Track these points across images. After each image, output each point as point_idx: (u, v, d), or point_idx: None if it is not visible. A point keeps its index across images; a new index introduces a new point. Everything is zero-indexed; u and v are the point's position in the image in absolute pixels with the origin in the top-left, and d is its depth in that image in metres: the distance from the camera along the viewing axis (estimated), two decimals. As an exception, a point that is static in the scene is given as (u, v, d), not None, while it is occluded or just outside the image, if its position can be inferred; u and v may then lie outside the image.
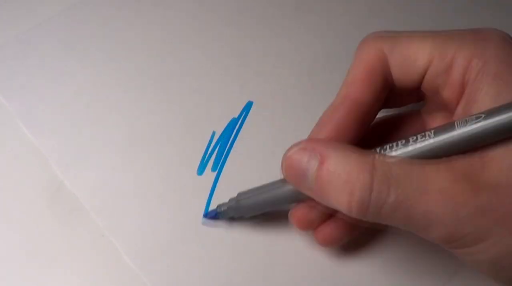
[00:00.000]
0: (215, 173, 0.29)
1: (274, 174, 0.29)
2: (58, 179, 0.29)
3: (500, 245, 0.20)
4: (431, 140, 0.21)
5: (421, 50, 0.22)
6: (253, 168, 0.29)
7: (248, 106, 0.31)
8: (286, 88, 0.32)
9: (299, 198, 0.24)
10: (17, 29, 0.34)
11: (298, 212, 0.25)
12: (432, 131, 0.21)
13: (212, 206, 0.28)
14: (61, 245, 0.27)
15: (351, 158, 0.20)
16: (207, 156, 0.29)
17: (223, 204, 0.27)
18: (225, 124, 0.30)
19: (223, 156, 0.29)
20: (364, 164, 0.20)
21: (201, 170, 0.29)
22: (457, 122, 0.20)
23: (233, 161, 0.29)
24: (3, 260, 0.26)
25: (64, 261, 0.26)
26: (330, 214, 0.24)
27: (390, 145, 0.22)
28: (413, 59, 0.23)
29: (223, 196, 0.28)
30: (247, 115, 0.31)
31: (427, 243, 0.27)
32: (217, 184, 0.28)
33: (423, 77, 0.23)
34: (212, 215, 0.27)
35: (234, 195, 0.26)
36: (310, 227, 0.25)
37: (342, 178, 0.20)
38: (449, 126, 0.21)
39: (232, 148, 0.30)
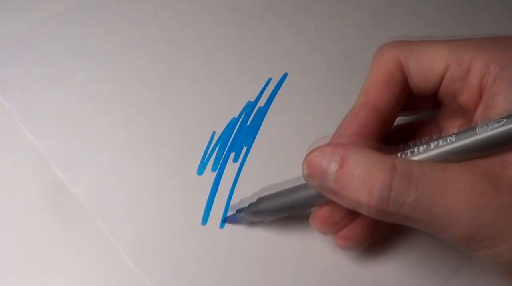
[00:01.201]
0: (215, 173, 0.29)
1: (274, 173, 0.29)
2: (58, 179, 0.29)
3: None
4: (452, 145, 0.21)
5: (438, 56, 0.23)
6: (253, 167, 0.29)
7: (248, 106, 0.31)
8: (286, 89, 0.32)
9: (320, 202, 0.24)
10: (17, 29, 0.34)
11: (319, 215, 0.24)
12: (454, 136, 0.21)
13: (214, 208, 0.28)
14: (61, 245, 0.27)
15: (370, 159, 0.20)
16: (207, 156, 0.29)
17: (242, 209, 0.27)
18: (225, 124, 0.30)
19: (223, 156, 0.29)
20: (384, 164, 0.20)
21: (201, 170, 0.29)
22: (478, 127, 0.20)
23: (233, 161, 0.29)
24: (3, 260, 0.26)
25: (64, 261, 0.26)
26: (351, 218, 0.24)
27: (412, 150, 0.22)
28: (429, 66, 0.23)
29: (223, 196, 0.28)
30: (247, 115, 0.31)
31: (426, 243, 0.27)
32: (217, 184, 0.29)
33: (440, 83, 0.23)
34: (232, 220, 0.27)
35: (235, 195, 0.26)
36: (331, 230, 0.25)
37: (361, 178, 0.20)
38: (471, 131, 0.21)
39: (233, 148, 0.30)
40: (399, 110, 0.24)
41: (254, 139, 0.30)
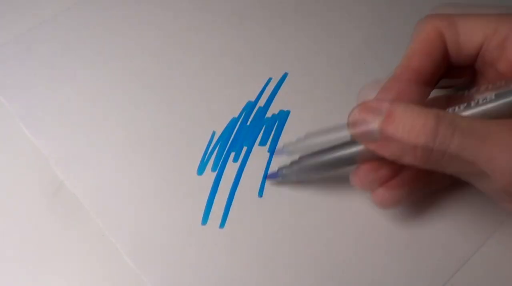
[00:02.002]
0: (215, 173, 0.29)
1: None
2: (58, 179, 0.29)
3: None
4: (492, 103, 0.22)
5: (477, 26, 0.24)
6: (253, 167, 0.29)
7: (248, 106, 0.31)
8: (287, 89, 0.32)
9: (363, 157, 0.24)
10: (17, 29, 0.34)
11: (360, 171, 0.25)
12: (493, 94, 0.22)
13: (214, 208, 0.28)
14: (61, 245, 0.27)
15: (416, 111, 0.21)
16: (207, 156, 0.29)
17: (284, 166, 0.27)
18: (225, 124, 0.30)
19: (223, 156, 0.29)
20: (429, 113, 0.21)
21: (201, 170, 0.29)
22: None
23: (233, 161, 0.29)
24: (3, 260, 0.26)
25: (64, 261, 0.26)
26: (390, 175, 0.25)
27: (453, 108, 0.23)
28: (469, 35, 0.24)
29: (223, 196, 0.28)
30: (247, 115, 0.31)
31: (427, 241, 0.27)
32: (217, 184, 0.29)
33: (478, 52, 0.24)
34: (273, 177, 0.28)
35: (235, 195, 0.26)
36: (370, 186, 0.25)
37: (408, 126, 0.21)
38: (509, 90, 0.22)
39: (233, 148, 0.30)
40: (438, 79, 0.26)
41: (254, 140, 0.30)
